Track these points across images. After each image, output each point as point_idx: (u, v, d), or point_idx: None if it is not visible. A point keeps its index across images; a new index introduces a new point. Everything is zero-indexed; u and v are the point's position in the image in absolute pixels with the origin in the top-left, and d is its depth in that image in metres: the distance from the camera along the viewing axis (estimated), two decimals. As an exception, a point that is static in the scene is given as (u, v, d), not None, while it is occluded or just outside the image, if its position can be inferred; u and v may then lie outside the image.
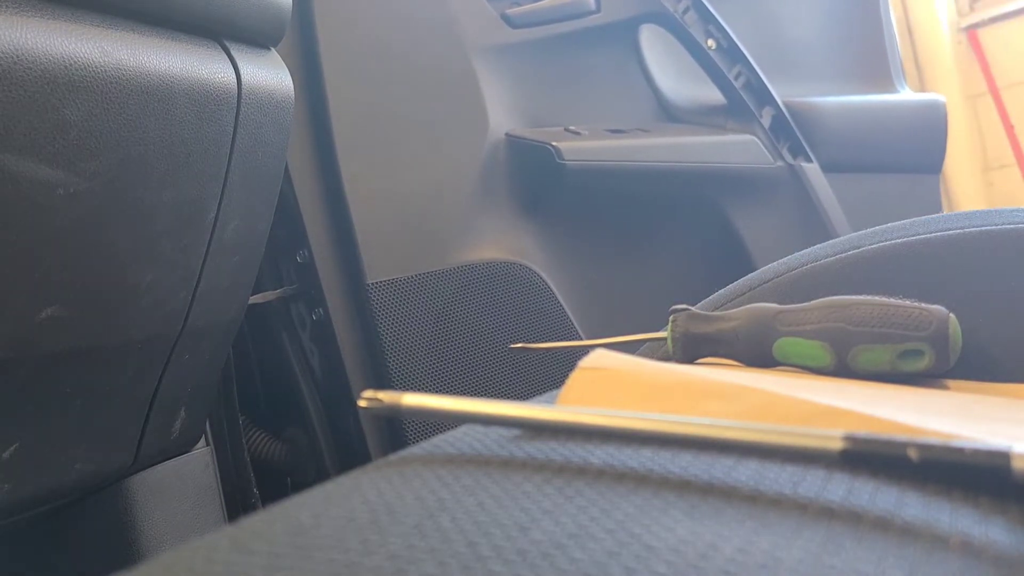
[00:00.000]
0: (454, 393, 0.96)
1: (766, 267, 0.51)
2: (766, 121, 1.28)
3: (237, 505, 0.85)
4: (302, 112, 0.93)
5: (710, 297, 0.51)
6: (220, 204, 0.61)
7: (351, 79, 0.96)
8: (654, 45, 1.32)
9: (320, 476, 0.96)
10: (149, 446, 0.70)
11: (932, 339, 0.37)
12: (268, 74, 0.63)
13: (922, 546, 0.19)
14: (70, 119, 0.47)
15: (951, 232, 0.44)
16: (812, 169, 1.28)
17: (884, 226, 0.49)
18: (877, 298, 0.39)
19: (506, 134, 1.09)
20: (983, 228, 0.43)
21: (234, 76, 0.59)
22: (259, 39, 0.63)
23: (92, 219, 0.52)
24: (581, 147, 1.10)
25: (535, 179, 1.09)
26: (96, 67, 0.48)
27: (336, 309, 0.93)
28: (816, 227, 1.26)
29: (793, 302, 0.41)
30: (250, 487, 0.86)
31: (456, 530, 0.19)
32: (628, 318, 1.14)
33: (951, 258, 0.43)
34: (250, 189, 0.64)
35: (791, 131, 1.29)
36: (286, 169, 0.89)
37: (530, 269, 1.06)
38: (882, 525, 0.19)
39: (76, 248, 0.52)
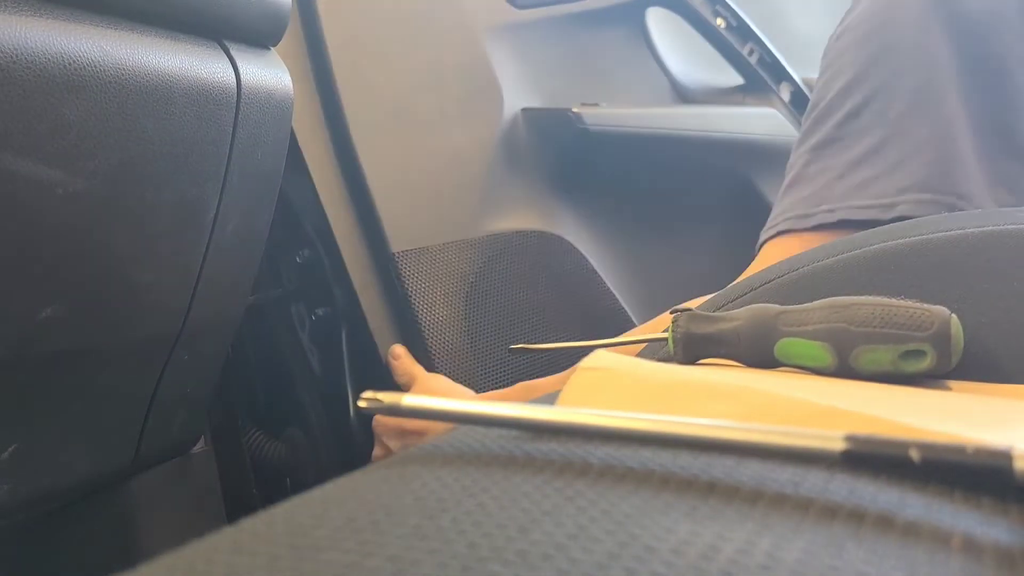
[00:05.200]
0: (488, 358, 0.96)
1: (767, 267, 0.51)
2: (785, 95, 1.27)
3: (237, 505, 0.85)
4: (314, 102, 0.93)
5: (711, 297, 0.51)
6: (219, 204, 0.61)
7: (360, 65, 0.95)
8: (664, 32, 1.32)
9: (320, 476, 0.96)
10: (149, 446, 0.69)
11: (934, 339, 0.37)
12: (268, 74, 0.63)
13: (924, 547, 0.19)
14: (70, 119, 0.47)
15: (953, 232, 0.44)
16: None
17: (885, 226, 0.48)
18: (879, 298, 0.38)
19: (522, 109, 1.09)
20: (985, 228, 0.43)
21: (234, 76, 0.59)
22: (259, 39, 0.63)
23: (92, 219, 0.52)
24: (601, 113, 1.10)
25: (558, 147, 1.09)
26: (96, 67, 0.48)
27: (362, 285, 0.92)
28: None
29: (795, 302, 0.41)
30: (250, 487, 0.86)
31: (456, 531, 0.19)
32: (660, 287, 1.14)
33: (953, 258, 0.43)
34: (249, 189, 0.64)
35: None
36: (303, 160, 0.89)
37: (560, 238, 1.06)
38: (883, 526, 0.19)
39: (76, 248, 0.52)
